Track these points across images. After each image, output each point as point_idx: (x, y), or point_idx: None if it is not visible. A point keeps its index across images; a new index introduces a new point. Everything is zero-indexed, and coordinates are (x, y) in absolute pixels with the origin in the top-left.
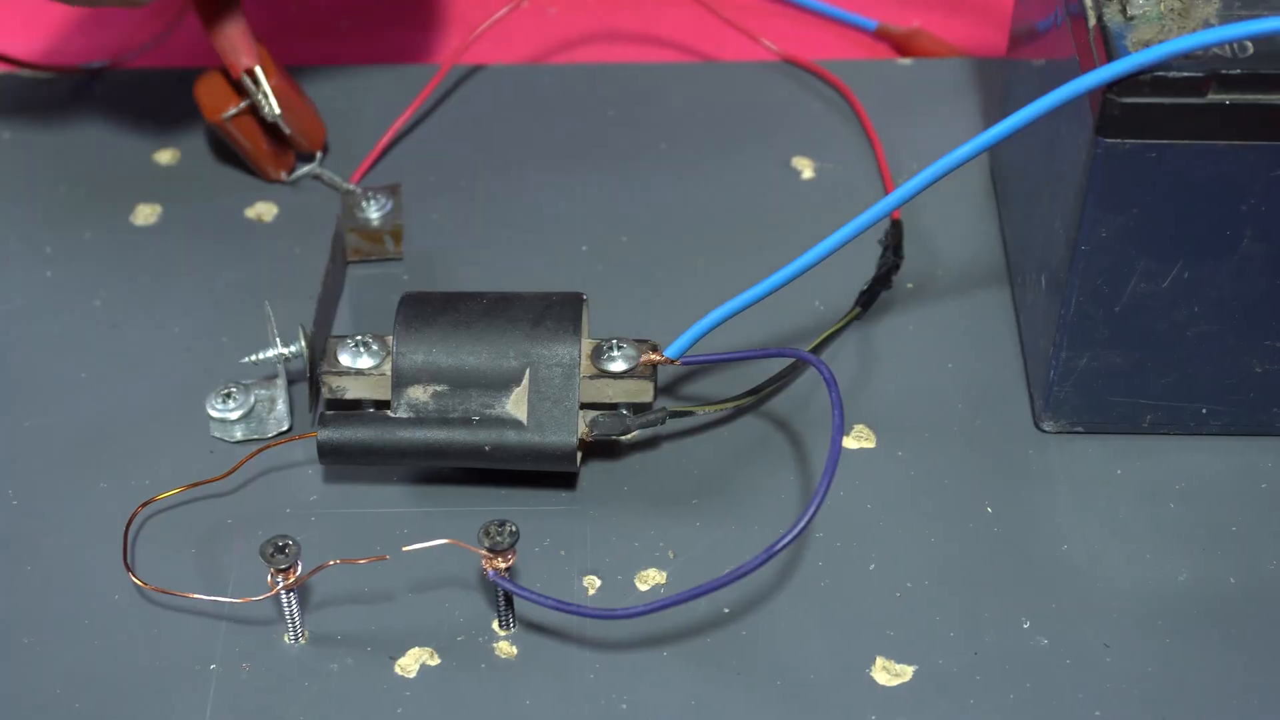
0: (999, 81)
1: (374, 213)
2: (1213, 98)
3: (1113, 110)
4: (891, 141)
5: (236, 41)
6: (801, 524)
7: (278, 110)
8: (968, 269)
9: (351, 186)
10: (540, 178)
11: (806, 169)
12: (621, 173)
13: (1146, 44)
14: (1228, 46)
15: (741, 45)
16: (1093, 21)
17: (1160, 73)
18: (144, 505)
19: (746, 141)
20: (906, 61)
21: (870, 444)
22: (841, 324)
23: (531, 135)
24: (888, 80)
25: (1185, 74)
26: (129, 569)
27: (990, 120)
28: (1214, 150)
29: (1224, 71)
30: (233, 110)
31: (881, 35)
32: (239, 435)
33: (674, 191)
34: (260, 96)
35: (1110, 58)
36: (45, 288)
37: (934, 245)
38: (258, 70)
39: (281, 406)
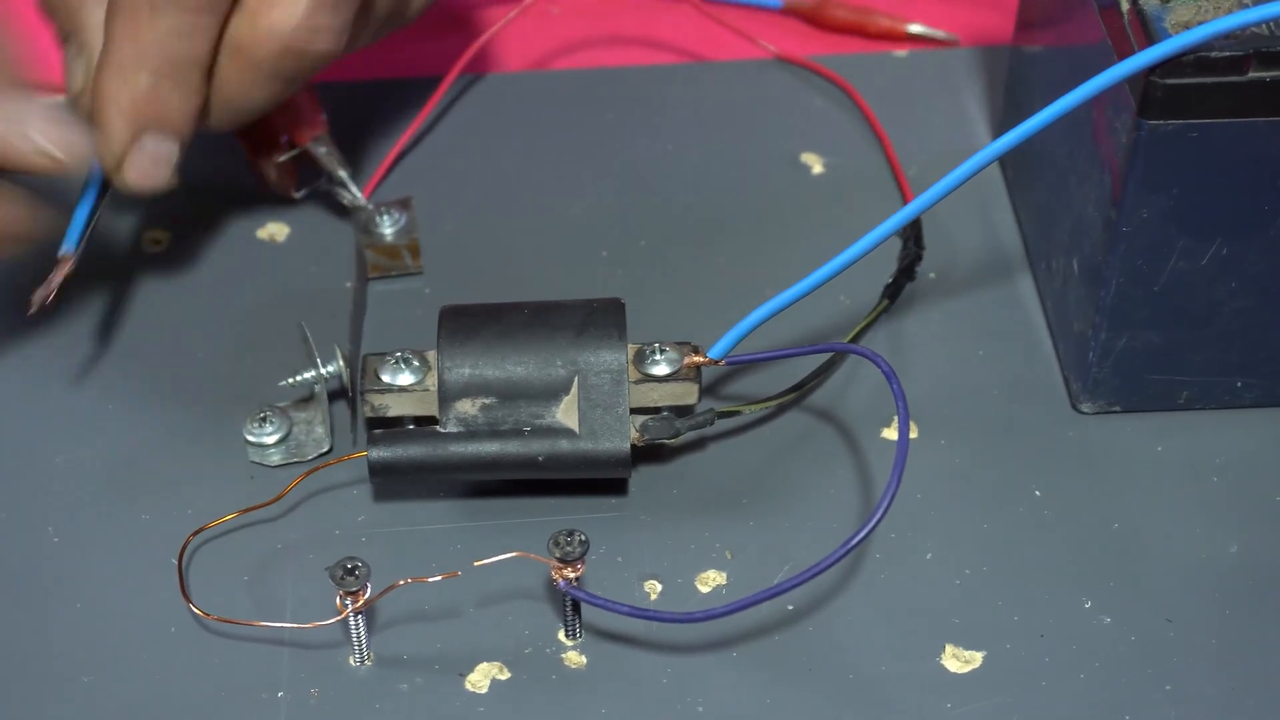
0: (1001, 68)
1: (388, 228)
2: (1253, 75)
3: (1156, 92)
4: (895, 132)
5: (303, 108)
6: (876, 517)
7: (361, 200)
8: (986, 255)
9: (364, 202)
10: (552, 184)
11: (816, 164)
12: (632, 176)
13: (1186, 25)
14: (1265, 25)
15: (737, 45)
16: (1126, 5)
17: (1203, 53)
18: (195, 534)
19: (752, 140)
20: (902, 54)
21: (913, 434)
22: (872, 317)
23: (540, 142)
24: (884, 72)
25: (1227, 53)
26: (188, 599)
27: (995, 106)
28: (1254, 127)
29: (1265, 49)
30: (281, 158)
31: (789, 11)
32: (277, 459)
33: (687, 193)
34: (340, 180)
35: (1150, 41)
36: (59, 317)
37: (950, 233)
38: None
39: (320, 428)
